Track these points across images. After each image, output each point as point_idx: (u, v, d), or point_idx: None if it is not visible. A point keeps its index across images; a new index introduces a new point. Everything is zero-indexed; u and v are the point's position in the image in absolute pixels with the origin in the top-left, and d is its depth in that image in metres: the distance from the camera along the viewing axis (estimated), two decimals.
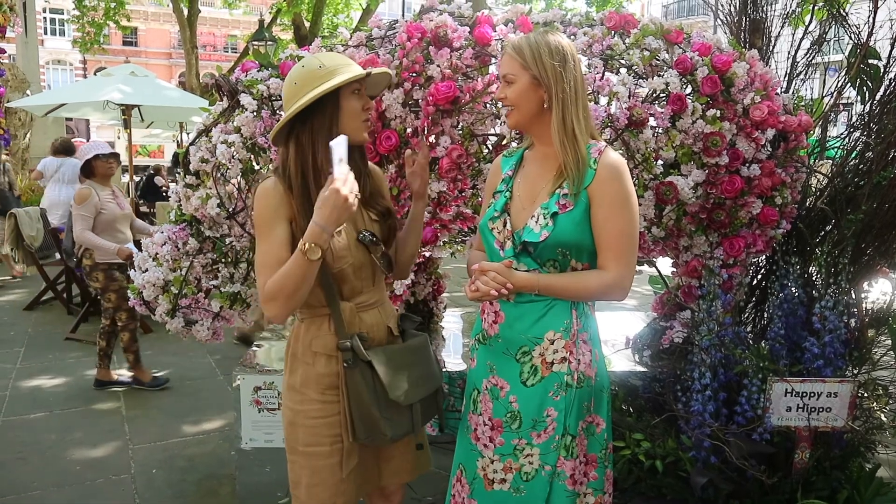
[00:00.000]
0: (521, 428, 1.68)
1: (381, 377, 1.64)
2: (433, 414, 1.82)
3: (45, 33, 32.33)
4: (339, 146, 1.49)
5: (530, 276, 1.64)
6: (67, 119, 16.11)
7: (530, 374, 1.68)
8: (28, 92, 10.80)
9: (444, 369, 2.68)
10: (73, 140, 9.37)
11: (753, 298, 2.88)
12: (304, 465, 1.71)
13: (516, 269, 1.65)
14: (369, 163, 1.86)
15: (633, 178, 2.38)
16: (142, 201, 9.51)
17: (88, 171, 4.14)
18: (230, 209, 2.51)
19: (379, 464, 1.81)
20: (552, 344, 1.66)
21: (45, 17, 31.81)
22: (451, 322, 3.41)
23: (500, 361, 1.73)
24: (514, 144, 2.43)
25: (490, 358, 1.75)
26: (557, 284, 1.65)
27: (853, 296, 2.53)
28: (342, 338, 1.66)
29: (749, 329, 2.81)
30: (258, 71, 2.51)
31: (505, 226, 1.70)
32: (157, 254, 2.60)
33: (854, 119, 2.80)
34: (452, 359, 2.84)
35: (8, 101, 9.47)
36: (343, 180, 1.46)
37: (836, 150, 2.87)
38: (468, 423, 1.80)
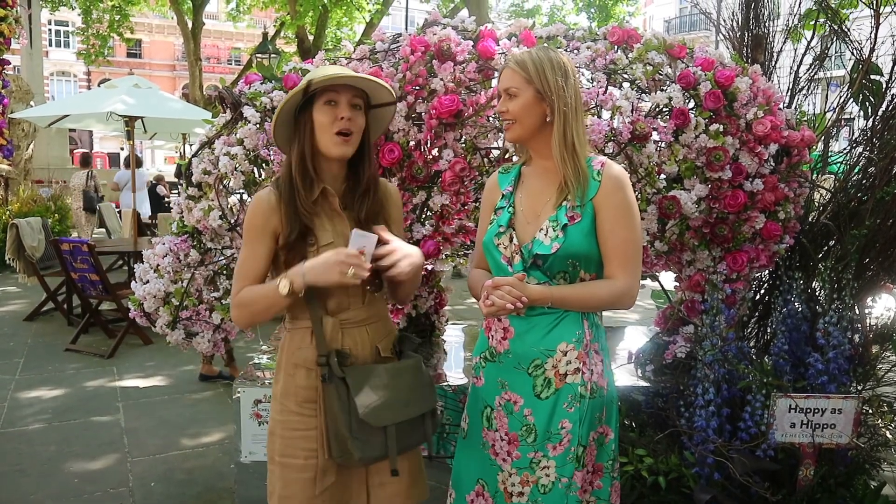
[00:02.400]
0: (536, 441, 1.68)
1: (353, 396, 1.60)
2: (418, 441, 1.74)
3: (50, 45, 32.55)
4: (360, 238, 1.56)
5: (543, 289, 1.65)
6: (71, 130, 16.21)
7: (544, 387, 1.68)
8: (32, 103, 10.84)
9: (445, 383, 2.66)
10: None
11: (756, 313, 2.87)
12: (279, 476, 1.71)
13: (527, 282, 1.66)
14: (387, 184, 1.85)
15: (636, 192, 2.39)
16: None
17: None
18: (232, 221, 2.51)
19: (369, 490, 1.75)
20: (565, 355, 1.67)
21: (49, 29, 32.02)
22: (453, 335, 3.40)
23: (511, 377, 1.72)
24: (516, 158, 2.43)
25: (500, 374, 1.74)
26: (570, 296, 1.66)
27: (857, 311, 2.52)
28: (322, 352, 1.65)
29: (752, 344, 2.80)
30: (261, 83, 2.51)
31: (511, 241, 1.71)
32: (158, 265, 2.59)
33: (857, 134, 2.80)
34: (454, 372, 2.82)
35: (12, 112, 9.53)
36: (354, 258, 1.53)
37: (838, 165, 2.87)
38: (483, 439, 1.77)
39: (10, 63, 9.70)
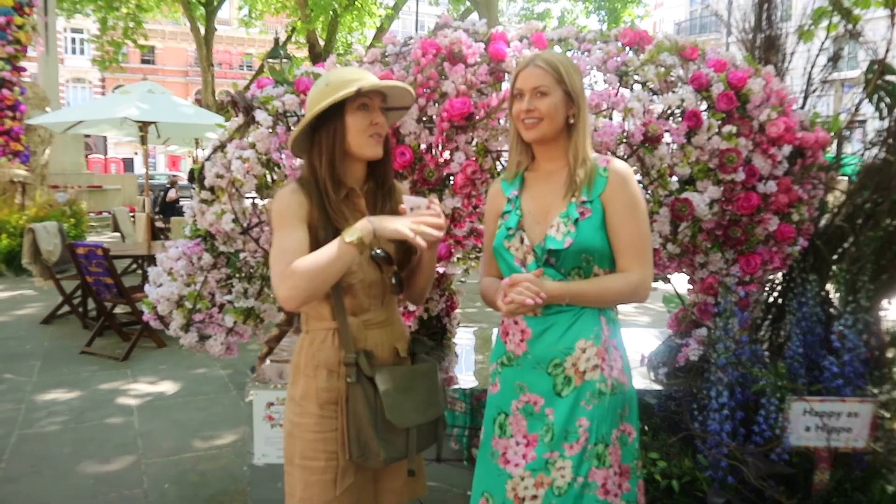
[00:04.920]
0: (553, 440, 1.66)
1: (382, 396, 1.64)
2: (430, 443, 1.80)
3: (66, 52, 32.93)
4: (412, 202, 1.63)
5: (561, 285, 1.65)
6: (86, 136, 16.37)
7: (564, 385, 1.68)
8: (48, 109, 10.97)
9: (457, 385, 2.66)
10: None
11: (770, 316, 2.84)
12: (299, 479, 1.72)
13: (543, 279, 1.66)
14: (398, 184, 1.87)
15: (648, 194, 2.39)
16: (158, 216, 9.60)
17: None
18: (245, 224, 2.52)
19: (376, 485, 1.79)
20: (584, 353, 1.66)
21: (65, 37, 32.38)
22: (464, 338, 3.40)
23: (530, 378, 1.71)
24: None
25: (518, 378, 1.73)
26: (587, 290, 1.66)
27: (873, 314, 2.49)
28: (349, 352, 1.67)
29: (766, 347, 2.77)
30: (273, 87, 2.53)
31: (522, 242, 1.72)
32: (171, 269, 2.61)
33: (872, 136, 2.77)
34: (465, 375, 2.82)
35: (28, 118, 9.64)
36: (423, 223, 1.57)
37: (853, 166, 2.84)
38: (493, 448, 1.76)
39: (26, 70, 9.84)
